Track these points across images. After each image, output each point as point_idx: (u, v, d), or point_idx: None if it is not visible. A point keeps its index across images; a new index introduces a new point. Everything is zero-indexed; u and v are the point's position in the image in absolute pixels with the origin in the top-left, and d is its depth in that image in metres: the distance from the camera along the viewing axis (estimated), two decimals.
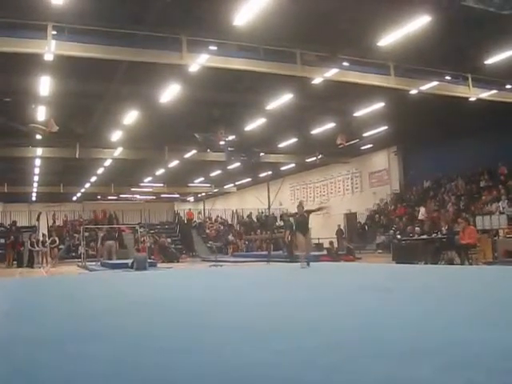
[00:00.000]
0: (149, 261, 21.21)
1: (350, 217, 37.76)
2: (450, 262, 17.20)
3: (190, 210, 42.46)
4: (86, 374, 3.33)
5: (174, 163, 36.56)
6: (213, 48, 17.61)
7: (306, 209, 15.54)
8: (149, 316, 6.08)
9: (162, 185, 47.96)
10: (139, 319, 5.83)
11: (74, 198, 48.53)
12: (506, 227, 19.44)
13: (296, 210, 15.54)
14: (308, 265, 14.70)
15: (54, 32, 15.38)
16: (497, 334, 4.25)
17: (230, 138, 28.68)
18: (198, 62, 17.44)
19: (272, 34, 16.95)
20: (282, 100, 23.23)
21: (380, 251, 28.74)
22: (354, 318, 5.49)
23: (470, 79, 22.29)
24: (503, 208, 23.40)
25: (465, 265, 16.12)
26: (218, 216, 43.05)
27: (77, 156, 30.27)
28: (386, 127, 30.11)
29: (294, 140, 32.73)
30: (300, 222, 15.15)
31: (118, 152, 31.59)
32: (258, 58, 18.11)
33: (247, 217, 43.19)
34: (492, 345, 3.80)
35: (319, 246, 32.20)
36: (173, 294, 9.08)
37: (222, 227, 39.98)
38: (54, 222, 37.21)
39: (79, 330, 5.13)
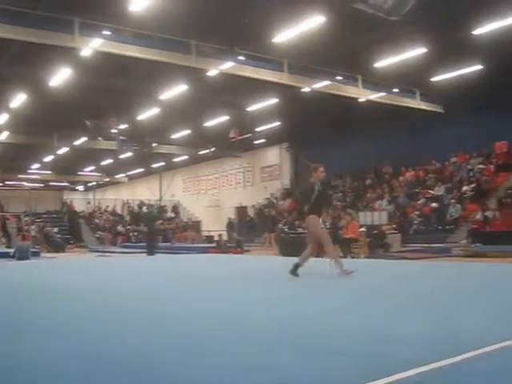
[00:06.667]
0: (32, 250, 20.54)
1: (241, 210, 38.10)
2: None
3: (71, 201, 41.53)
4: None
5: (63, 150, 35.46)
6: (107, 33, 17.25)
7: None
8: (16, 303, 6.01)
9: (50, 172, 46.46)
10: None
11: None
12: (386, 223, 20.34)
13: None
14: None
15: None
16: (370, 320, 4.48)
17: (122, 126, 28.21)
18: (91, 46, 17.01)
19: (168, 22, 16.80)
20: (177, 90, 23.12)
21: (269, 245, 29.17)
22: (221, 305, 5.64)
23: (359, 81, 23.11)
24: (385, 205, 24.46)
25: (347, 258, 16.68)
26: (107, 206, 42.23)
27: None
28: (278, 123, 30.64)
29: (187, 132, 32.67)
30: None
31: (3, 136, 30.31)
32: (152, 46, 17.92)
33: (138, 206, 42.65)
34: (364, 331, 4.00)
35: (209, 239, 32.33)
36: (45, 282, 9.08)
37: (111, 217, 39.26)
38: None
39: None
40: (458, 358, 3.01)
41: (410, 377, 2.68)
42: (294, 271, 8.37)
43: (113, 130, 27.58)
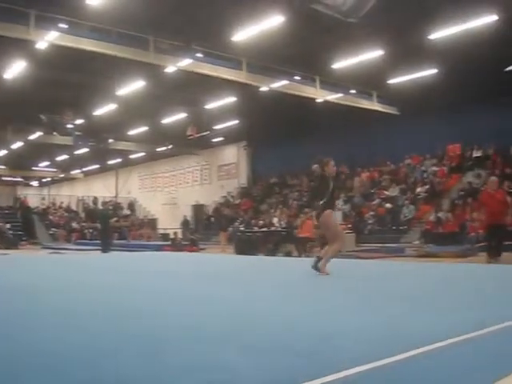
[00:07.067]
0: None
1: (198, 208, 37.98)
2: (288, 254, 17.86)
3: (25, 197, 40.71)
4: None
5: (17, 145, 34.78)
6: (63, 26, 16.99)
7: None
8: None
9: (3, 167, 45.54)
10: None
11: None
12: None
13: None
14: None
15: None
16: (325, 319, 4.50)
17: (78, 121, 27.83)
18: (47, 39, 16.74)
19: (126, 17, 16.64)
20: (134, 86, 22.92)
21: (224, 243, 29.14)
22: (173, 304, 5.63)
23: (317, 81, 23.27)
24: (341, 205, 24.68)
25: (302, 257, 16.77)
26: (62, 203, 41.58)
27: None
28: (237, 122, 30.64)
29: (144, 128, 32.40)
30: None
31: None
32: (109, 41, 17.74)
33: (93, 202, 42.16)
34: (317, 330, 4.01)
35: (165, 236, 32.19)
36: None
37: (66, 214, 38.67)
38: None
39: None
40: (399, 356, 3.05)
41: (348, 376, 2.71)
42: (316, 265, 8.27)
43: (68, 125, 27.21)
